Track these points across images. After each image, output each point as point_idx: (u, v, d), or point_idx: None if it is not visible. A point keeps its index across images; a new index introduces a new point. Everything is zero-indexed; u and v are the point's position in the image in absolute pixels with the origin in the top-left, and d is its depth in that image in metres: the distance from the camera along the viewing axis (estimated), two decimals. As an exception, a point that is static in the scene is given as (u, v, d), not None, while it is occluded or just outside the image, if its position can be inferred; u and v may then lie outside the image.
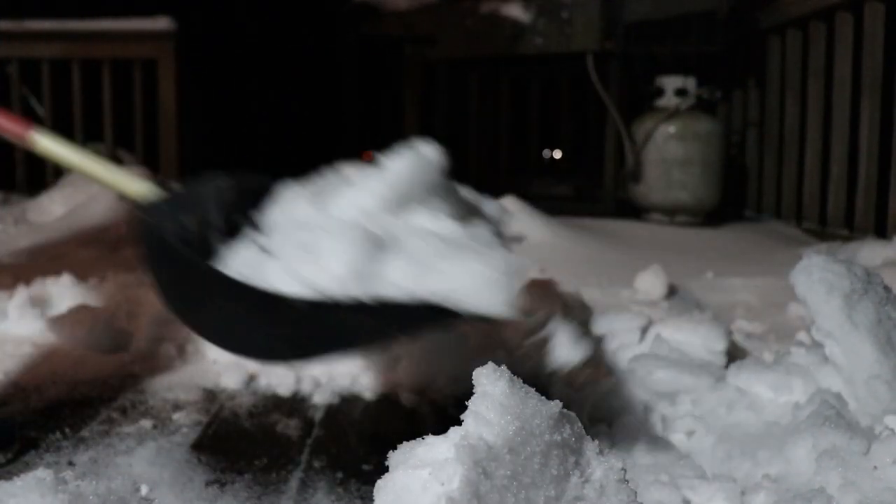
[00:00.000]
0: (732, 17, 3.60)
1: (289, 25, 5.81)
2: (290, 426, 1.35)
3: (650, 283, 2.04)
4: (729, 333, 1.44)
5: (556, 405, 0.74)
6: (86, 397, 1.45)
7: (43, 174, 4.95)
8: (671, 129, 3.52)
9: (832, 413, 1.09)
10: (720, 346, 1.38)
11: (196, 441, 1.27)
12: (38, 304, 1.84)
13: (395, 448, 0.72)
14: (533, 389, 0.75)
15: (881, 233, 2.92)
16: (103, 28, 4.69)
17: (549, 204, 3.12)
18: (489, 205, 1.25)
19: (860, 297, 1.19)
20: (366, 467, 1.19)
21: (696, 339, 1.39)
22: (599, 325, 1.55)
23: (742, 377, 1.24)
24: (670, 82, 3.60)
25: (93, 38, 4.74)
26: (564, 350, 1.20)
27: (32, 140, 1.26)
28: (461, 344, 1.55)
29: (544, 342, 1.24)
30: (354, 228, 1.06)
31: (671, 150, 3.51)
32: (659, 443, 1.19)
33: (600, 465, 0.77)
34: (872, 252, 2.39)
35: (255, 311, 1.04)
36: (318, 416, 1.40)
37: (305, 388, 1.50)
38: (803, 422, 1.10)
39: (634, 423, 1.26)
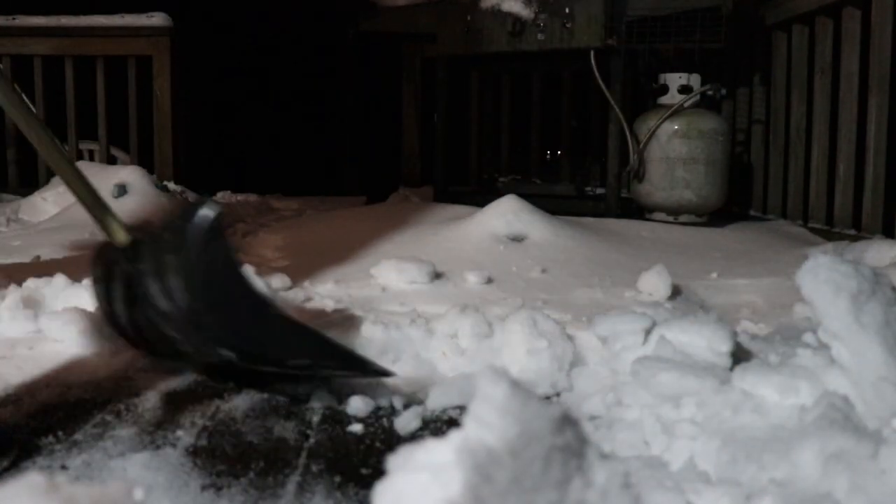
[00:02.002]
0: (737, 13, 3.57)
1: (287, 22, 5.80)
2: (287, 429, 1.33)
3: (654, 283, 2.02)
4: (734, 335, 1.42)
5: (557, 407, 0.73)
6: (79, 400, 1.43)
7: (35, 173, 4.95)
8: (675, 126, 3.49)
9: (839, 416, 1.07)
10: (725, 347, 1.35)
11: (191, 444, 1.25)
12: (31, 305, 1.82)
13: (393, 452, 0.71)
14: (534, 392, 0.73)
15: (889, 232, 2.90)
16: (97, 24, 4.69)
17: (550, 202, 3.10)
18: None
19: (868, 298, 1.17)
20: (364, 471, 1.17)
21: (700, 340, 1.36)
22: (602, 327, 1.53)
23: (747, 379, 1.22)
24: (674, 79, 3.57)
25: (87, 35, 4.74)
26: None
27: None
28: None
29: None
30: None
31: (675, 148, 3.48)
32: (662, 446, 1.17)
33: (603, 468, 0.75)
34: (880, 252, 2.37)
35: None
36: (315, 419, 1.38)
37: (303, 390, 1.48)
38: (810, 425, 1.08)
39: (637, 426, 1.24)
